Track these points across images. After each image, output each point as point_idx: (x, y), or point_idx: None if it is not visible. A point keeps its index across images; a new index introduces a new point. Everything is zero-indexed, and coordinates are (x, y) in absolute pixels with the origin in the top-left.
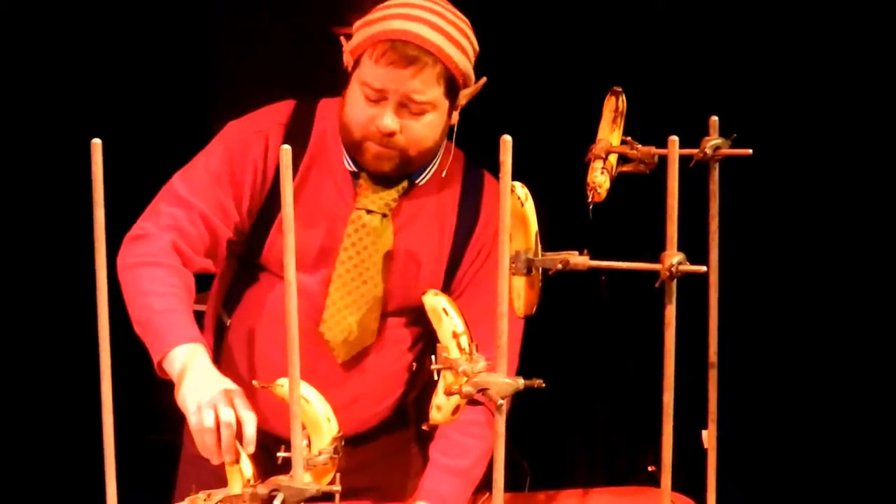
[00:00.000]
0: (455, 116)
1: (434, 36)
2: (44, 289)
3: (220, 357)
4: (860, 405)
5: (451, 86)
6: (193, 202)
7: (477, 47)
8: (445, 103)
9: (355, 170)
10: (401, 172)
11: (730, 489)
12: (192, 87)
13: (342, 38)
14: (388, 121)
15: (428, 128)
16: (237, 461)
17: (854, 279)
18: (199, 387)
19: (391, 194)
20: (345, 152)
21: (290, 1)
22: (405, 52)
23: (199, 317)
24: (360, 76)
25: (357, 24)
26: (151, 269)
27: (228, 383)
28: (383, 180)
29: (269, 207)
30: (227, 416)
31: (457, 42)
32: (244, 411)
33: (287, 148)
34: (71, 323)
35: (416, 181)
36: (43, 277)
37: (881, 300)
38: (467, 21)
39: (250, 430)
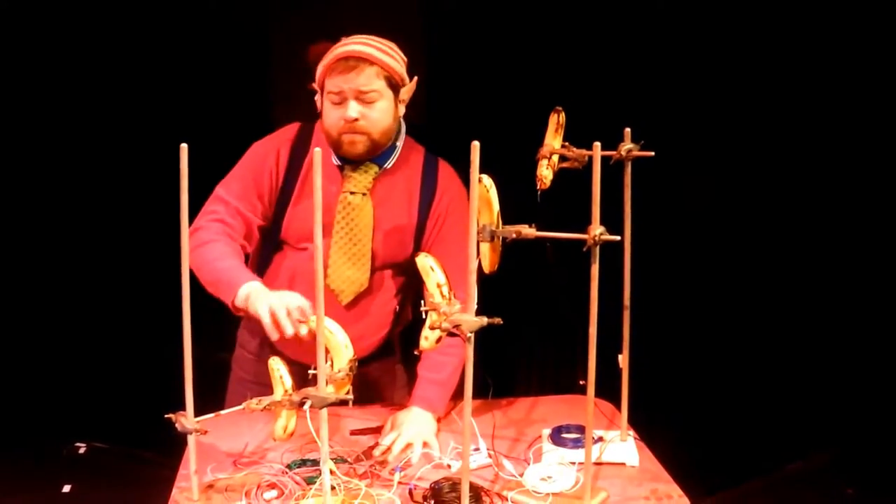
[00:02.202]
0: (402, 109)
1: (366, 49)
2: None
3: None
4: (729, 331)
5: (391, 82)
6: (231, 201)
7: (405, 58)
8: (390, 94)
9: (340, 164)
10: (372, 154)
11: (637, 397)
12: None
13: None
14: (351, 111)
15: (381, 113)
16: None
17: (721, 243)
18: (265, 296)
19: (368, 178)
20: (332, 152)
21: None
22: (348, 62)
23: None
24: (326, 92)
25: (318, 68)
26: (210, 245)
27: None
28: (361, 168)
29: (283, 198)
30: (294, 300)
31: (385, 52)
32: (304, 301)
33: (318, 150)
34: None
35: (385, 166)
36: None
37: (741, 260)
38: (394, 44)
39: (308, 308)
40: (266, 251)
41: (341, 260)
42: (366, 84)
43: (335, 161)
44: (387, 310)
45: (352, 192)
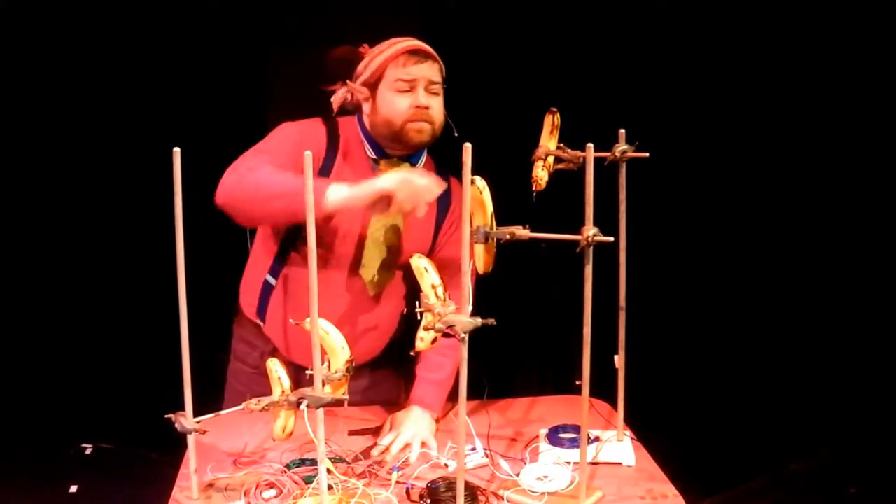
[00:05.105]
0: None
1: (428, 47)
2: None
3: (267, 308)
4: (722, 329)
5: (443, 84)
6: (277, 155)
7: None
8: (442, 94)
9: (376, 157)
10: (428, 144)
11: (633, 397)
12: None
13: (348, 85)
14: (423, 98)
15: (441, 107)
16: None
17: (717, 242)
18: (373, 181)
19: None
20: (367, 146)
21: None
22: (420, 54)
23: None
24: (391, 80)
25: (362, 65)
26: (263, 167)
27: None
28: (396, 164)
29: None
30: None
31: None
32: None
33: (309, 153)
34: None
35: (416, 164)
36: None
37: (733, 262)
38: None
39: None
40: (282, 253)
41: (376, 252)
42: (434, 77)
43: (371, 154)
44: (396, 311)
45: None
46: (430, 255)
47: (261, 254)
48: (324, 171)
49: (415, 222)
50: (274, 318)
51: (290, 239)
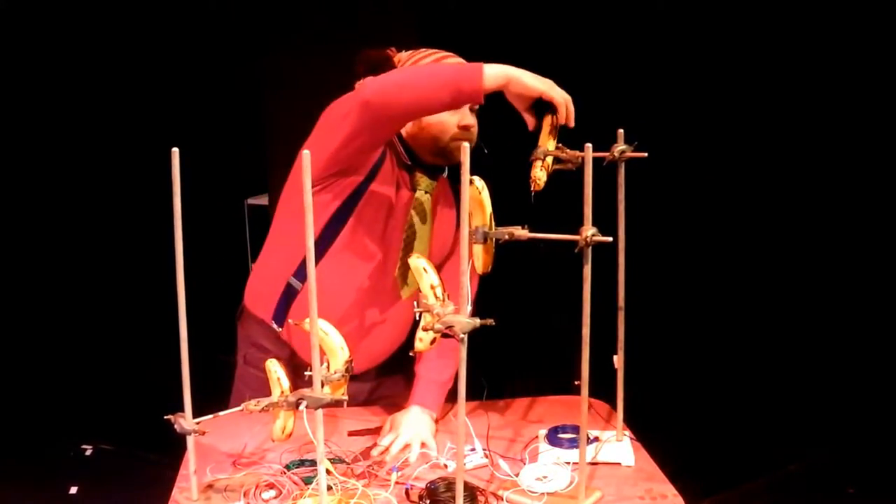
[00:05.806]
0: None
1: None
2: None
3: (288, 311)
4: (720, 330)
5: None
6: None
7: None
8: None
9: (410, 163)
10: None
11: (632, 397)
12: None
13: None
14: (469, 118)
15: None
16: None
17: (716, 243)
18: (527, 81)
19: (432, 182)
20: (404, 153)
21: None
22: None
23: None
24: None
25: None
26: None
27: None
28: (428, 171)
29: (364, 183)
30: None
31: None
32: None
33: (307, 152)
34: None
35: (443, 174)
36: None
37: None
38: None
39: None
40: (323, 249)
41: (412, 253)
42: None
43: (405, 160)
44: (411, 312)
45: (426, 192)
46: (449, 256)
47: (284, 256)
48: (377, 162)
49: (440, 226)
50: (300, 318)
51: (327, 241)
